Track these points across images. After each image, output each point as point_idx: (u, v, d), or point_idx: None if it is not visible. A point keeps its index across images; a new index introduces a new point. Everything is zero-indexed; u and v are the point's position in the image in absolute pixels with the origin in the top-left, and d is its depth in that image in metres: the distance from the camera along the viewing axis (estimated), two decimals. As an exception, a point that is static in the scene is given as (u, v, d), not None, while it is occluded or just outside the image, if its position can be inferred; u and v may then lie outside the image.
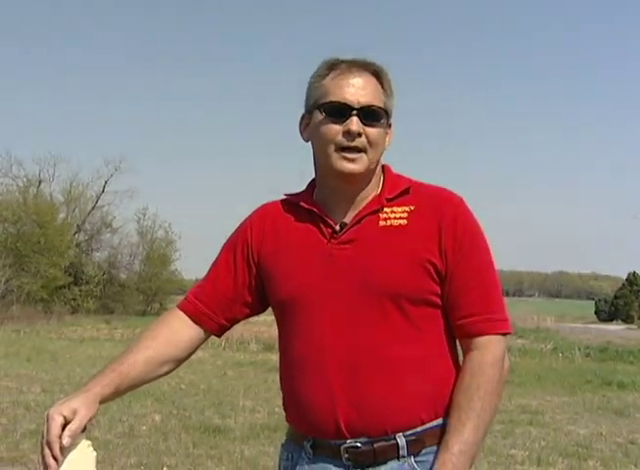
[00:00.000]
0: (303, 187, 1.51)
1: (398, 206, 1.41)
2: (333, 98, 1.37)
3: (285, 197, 1.51)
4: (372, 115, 1.37)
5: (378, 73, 1.41)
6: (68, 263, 30.80)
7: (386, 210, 1.41)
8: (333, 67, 1.40)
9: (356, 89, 1.37)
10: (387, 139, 1.44)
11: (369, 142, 1.37)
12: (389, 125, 1.45)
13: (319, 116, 1.39)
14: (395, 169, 1.49)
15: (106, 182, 33.80)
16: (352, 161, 1.37)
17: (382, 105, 1.39)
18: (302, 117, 1.46)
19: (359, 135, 1.36)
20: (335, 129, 1.36)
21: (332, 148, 1.37)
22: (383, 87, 1.41)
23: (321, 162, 1.42)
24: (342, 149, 1.37)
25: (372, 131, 1.37)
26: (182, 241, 36.80)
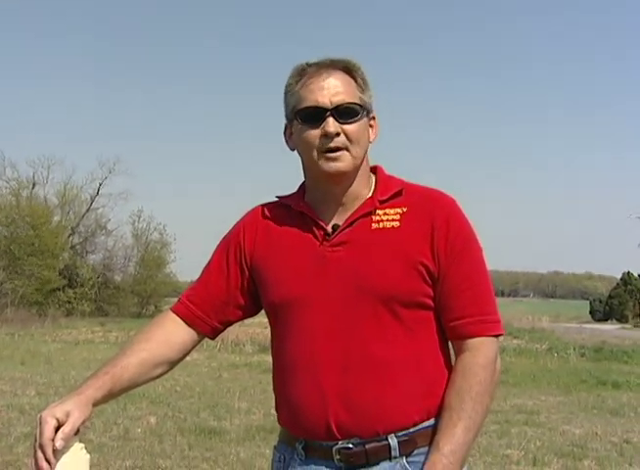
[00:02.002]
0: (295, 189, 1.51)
1: (391, 207, 1.41)
2: (306, 104, 1.37)
3: (277, 199, 1.52)
4: (347, 112, 1.37)
5: (348, 69, 1.40)
6: (63, 266, 30.70)
7: (378, 212, 1.41)
8: (302, 72, 1.40)
9: (327, 90, 1.36)
10: (370, 133, 1.44)
11: (349, 139, 1.37)
12: (373, 118, 1.45)
13: (297, 124, 1.40)
14: (388, 169, 1.50)
15: (100, 184, 33.72)
16: (335, 159, 1.37)
17: (356, 100, 1.39)
18: (286, 127, 1.46)
19: (337, 135, 1.36)
20: (313, 134, 1.37)
21: (315, 152, 1.38)
22: (356, 82, 1.40)
23: (308, 166, 1.43)
24: (324, 151, 1.37)
25: (350, 128, 1.37)
26: (177, 243, 36.73)
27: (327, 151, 1.36)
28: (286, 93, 1.43)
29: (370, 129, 1.44)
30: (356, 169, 1.41)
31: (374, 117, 1.45)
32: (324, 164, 1.37)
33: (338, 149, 1.36)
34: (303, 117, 1.38)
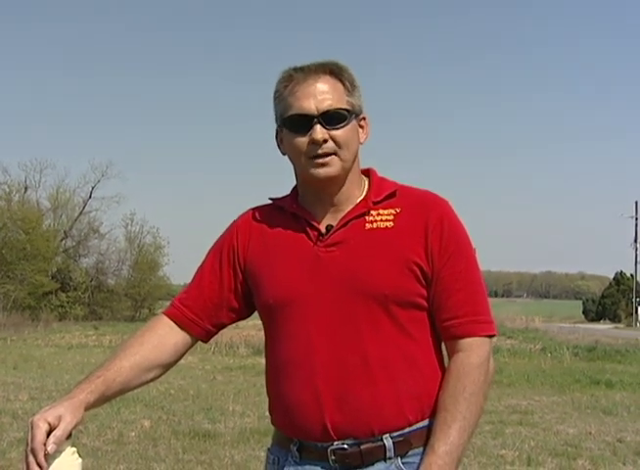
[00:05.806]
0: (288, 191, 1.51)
1: (385, 208, 1.41)
2: (293, 112, 1.37)
3: (270, 201, 1.52)
4: (334, 118, 1.36)
5: (335, 72, 1.40)
6: (56, 270, 30.62)
7: (372, 212, 1.41)
8: (289, 78, 1.39)
9: (314, 96, 1.36)
10: (361, 134, 1.44)
11: (338, 144, 1.37)
12: (363, 119, 1.44)
13: (286, 131, 1.40)
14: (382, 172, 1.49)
15: (93, 188, 33.70)
16: (324, 165, 1.37)
17: (343, 105, 1.38)
18: (277, 133, 1.46)
19: (325, 141, 1.35)
20: (301, 142, 1.37)
21: (303, 159, 1.38)
22: (344, 85, 1.40)
23: (299, 172, 1.44)
24: (312, 158, 1.37)
25: (338, 134, 1.37)
26: (170, 246, 36.65)
27: (315, 157, 1.36)
28: (274, 100, 1.43)
29: (360, 130, 1.44)
30: (346, 172, 1.41)
31: (364, 118, 1.45)
32: (313, 171, 1.37)
33: (326, 154, 1.36)
34: (291, 124, 1.38)
